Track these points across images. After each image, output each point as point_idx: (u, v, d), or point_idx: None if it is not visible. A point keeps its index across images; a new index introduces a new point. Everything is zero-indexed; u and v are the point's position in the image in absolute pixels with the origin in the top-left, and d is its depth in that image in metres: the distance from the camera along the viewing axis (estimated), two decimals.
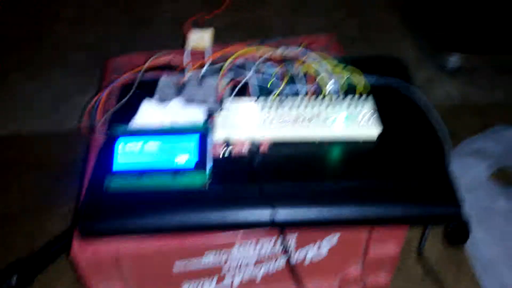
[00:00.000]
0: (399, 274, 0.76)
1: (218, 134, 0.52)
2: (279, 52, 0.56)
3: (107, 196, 0.48)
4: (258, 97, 0.54)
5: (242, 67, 0.56)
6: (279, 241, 0.53)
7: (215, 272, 0.57)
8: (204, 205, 0.48)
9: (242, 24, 1.35)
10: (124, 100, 0.56)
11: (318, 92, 0.55)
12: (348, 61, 0.57)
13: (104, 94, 0.55)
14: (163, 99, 0.55)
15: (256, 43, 0.57)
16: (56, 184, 0.93)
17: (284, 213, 0.47)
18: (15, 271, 0.74)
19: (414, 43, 1.29)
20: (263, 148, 0.51)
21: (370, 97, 0.54)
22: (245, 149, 0.51)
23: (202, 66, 0.57)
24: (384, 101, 0.55)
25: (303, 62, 0.55)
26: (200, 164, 0.48)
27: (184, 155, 0.49)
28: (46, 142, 1.03)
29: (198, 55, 0.58)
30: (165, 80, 0.58)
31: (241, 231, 0.51)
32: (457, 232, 0.50)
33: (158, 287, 0.59)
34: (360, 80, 0.55)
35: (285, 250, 0.52)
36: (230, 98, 0.55)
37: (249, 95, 0.56)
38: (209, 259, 0.54)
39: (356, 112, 0.53)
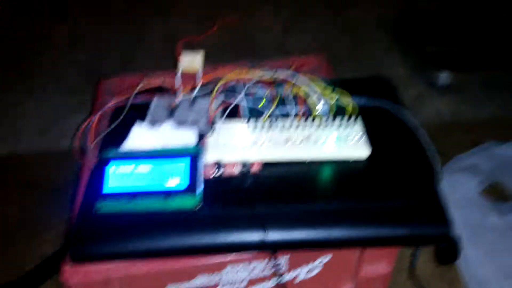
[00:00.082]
0: None
1: (209, 156, 0.52)
2: (269, 74, 0.56)
3: (98, 219, 0.48)
4: (249, 119, 0.55)
5: (233, 90, 0.56)
6: (271, 263, 0.54)
7: None
8: (195, 228, 0.48)
9: (234, 44, 1.37)
10: (115, 123, 0.56)
11: (308, 114, 0.56)
12: (338, 82, 0.57)
13: (96, 117, 0.55)
14: (155, 122, 0.56)
15: (246, 65, 0.58)
16: (49, 204, 0.92)
17: (275, 235, 0.47)
18: None
19: (404, 60, 1.30)
20: (254, 170, 0.52)
21: (359, 119, 0.55)
22: (236, 171, 0.52)
23: (193, 88, 0.58)
24: (373, 122, 0.56)
25: (293, 84, 0.56)
26: (191, 186, 0.49)
27: (175, 178, 0.49)
28: (40, 161, 1.03)
29: (189, 77, 0.59)
30: (157, 103, 0.58)
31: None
32: (447, 251, 0.50)
33: None
34: (349, 102, 0.56)
35: (277, 272, 0.52)
36: (221, 120, 0.56)
37: (240, 117, 0.56)
38: (200, 281, 0.54)
39: (346, 133, 0.54)
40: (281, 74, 0.56)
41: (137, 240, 0.47)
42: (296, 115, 0.56)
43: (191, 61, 0.58)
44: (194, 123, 0.56)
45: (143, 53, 1.35)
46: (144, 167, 0.50)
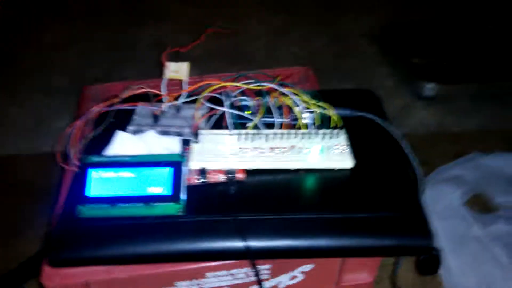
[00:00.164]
0: None
1: (194, 164, 0.52)
2: (255, 84, 0.57)
3: (78, 225, 0.48)
4: (233, 129, 0.55)
5: (219, 99, 0.56)
6: (252, 270, 0.53)
7: None
8: (177, 234, 0.48)
9: (222, 51, 1.37)
10: (99, 129, 0.56)
11: (293, 125, 0.56)
12: (323, 94, 0.58)
13: (79, 122, 0.55)
14: (139, 129, 0.56)
15: (232, 76, 0.58)
16: (33, 206, 0.92)
17: (257, 243, 0.48)
18: None
19: (391, 71, 1.31)
20: (238, 178, 0.52)
21: (344, 130, 0.56)
22: (220, 179, 0.52)
23: (178, 96, 0.58)
24: (357, 133, 0.56)
25: (279, 95, 0.56)
26: (174, 193, 0.49)
27: (158, 185, 0.49)
28: (26, 164, 1.02)
29: (175, 85, 0.59)
30: (141, 110, 0.58)
31: None
32: (428, 263, 0.50)
33: None
34: (334, 113, 0.56)
35: (259, 280, 0.52)
36: (206, 129, 0.56)
37: (225, 126, 0.56)
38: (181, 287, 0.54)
39: (330, 145, 0.54)
40: (267, 85, 0.56)
41: (118, 246, 0.47)
42: (281, 125, 0.56)
43: (177, 71, 0.58)
44: (178, 131, 0.56)
45: (131, 60, 1.35)
46: (127, 173, 0.50)
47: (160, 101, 0.58)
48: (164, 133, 0.56)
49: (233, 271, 0.53)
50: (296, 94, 0.56)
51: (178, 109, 0.58)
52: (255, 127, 0.55)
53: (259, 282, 0.52)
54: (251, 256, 0.48)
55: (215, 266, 0.52)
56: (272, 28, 1.50)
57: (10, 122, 1.14)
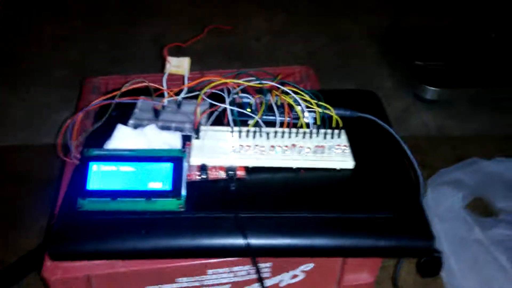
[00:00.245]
0: None
1: (194, 160, 0.52)
2: (256, 82, 0.56)
3: (78, 218, 0.47)
4: (234, 126, 0.54)
5: (220, 95, 0.56)
6: (253, 268, 0.53)
7: None
8: (177, 230, 0.47)
9: (223, 49, 1.37)
10: (100, 122, 0.55)
11: (293, 123, 0.56)
12: (323, 94, 0.57)
13: (80, 115, 0.55)
14: (139, 123, 0.55)
15: (234, 73, 0.58)
16: (32, 198, 0.91)
17: (257, 241, 0.47)
18: None
19: (393, 73, 1.31)
20: (238, 175, 0.52)
21: (344, 131, 0.55)
22: (220, 175, 0.51)
23: (179, 91, 0.58)
24: (358, 134, 0.56)
25: (280, 93, 0.56)
26: (175, 189, 0.48)
27: (159, 180, 0.49)
28: (26, 156, 1.02)
29: (176, 81, 0.58)
30: (143, 104, 0.58)
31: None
32: (429, 265, 0.50)
33: None
34: (334, 114, 0.56)
35: (260, 278, 0.52)
36: (207, 126, 0.56)
37: (225, 123, 0.56)
38: (181, 285, 0.53)
39: (330, 145, 0.54)
40: (268, 83, 0.56)
41: (118, 240, 0.47)
42: (281, 123, 0.56)
43: (178, 66, 0.58)
44: (179, 126, 0.56)
45: (132, 54, 1.34)
46: (128, 167, 0.49)
47: (161, 95, 0.58)
48: (165, 128, 0.55)
49: (234, 268, 0.53)
50: (297, 93, 0.56)
51: (179, 104, 0.58)
52: (256, 124, 0.55)
53: (260, 280, 0.51)
54: (251, 254, 0.48)
55: (216, 263, 0.51)
56: (272, 28, 1.50)
57: (10, 114, 1.13)
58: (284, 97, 0.56)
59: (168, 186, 0.48)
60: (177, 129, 0.56)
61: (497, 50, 1.31)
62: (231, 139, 0.54)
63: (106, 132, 0.54)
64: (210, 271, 0.52)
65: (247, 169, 0.52)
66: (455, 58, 1.27)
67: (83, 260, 0.48)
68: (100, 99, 0.56)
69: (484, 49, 1.32)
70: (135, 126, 0.55)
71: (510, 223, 0.88)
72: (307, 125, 0.55)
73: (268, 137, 0.54)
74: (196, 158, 0.52)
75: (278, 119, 0.56)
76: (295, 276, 0.56)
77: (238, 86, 0.57)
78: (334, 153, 0.53)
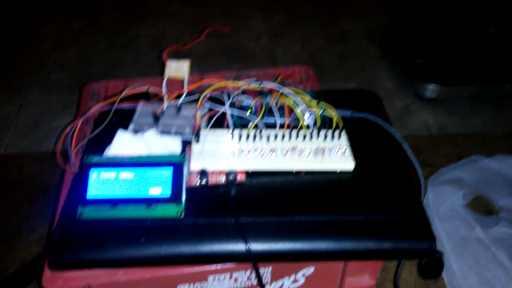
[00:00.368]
0: None
1: (194, 165, 0.51)
2: (256, 84, 0.56)
3: (78, 227, 0.47)
4: (234, 129, 0.54)
5: (219, 99, 0.56)
6: (253, 274, 0.53)
7: None
8: (178, 236, 0.47)
9: (223, 49, 1.36)
10: (99, 128, 0.55)
11: (294, 125, 0.56)
12: (324, 94, 0.57)
13: (80, 122, 0.55)
14: (139, 129, 0.55)
15: (233, 75, 0.58)
16: (32, 206, 0.91)
17: (258, 246, 0.47)
18: None
19: (393, 72, 1.31)
20: (239, 179, 0.51)
21: (345, 131, 0.55)
22: (221, 180, 0.51)
23: (179, 96, 0.57)
24: (358, 135, 0.56)
25: (280, 95, 0.56)
26: (175, 195, 0.48)
27: (158, 186, 0.48)
28: (25, 163, 1.02)
29: (176, 84, 0.58)
30: (142, 109, 0.58)
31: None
32: (430, 266, 0.50)
33: None
34: (335, 114, 0.56)
35: (261, 283, 0.52)
36: (207, 129, 0.55)
37: (226, 126, 0.56)
38: None
39: (331, 145, 0.54)
40: (268, 85, 0.56)
41: (118, 249, 0.47)
42: (281, 125, 0.55)
43: (178, 69, 0.58)
44: (179, 130, 0.56)
45: (130, 58, 1.34)
46: (127, 174, 0.49)
47: (161, 100, 0.57)
48: (165, 132, 0.55)
49: (235, 274, 0.53)
50: (297, 95, 0.56)
51: (178, 108, 0.58)
52: (256, 127, 0.55)
53: (261, 285, 0.51)
54: (252, 259, 0.48)
55: (217, 269, 0.51)
56: (272, 28, 1.50)
57: (8, 121, 1.13)
58: (284, 99, 0.56)
59: (168, 192, 0.48)
60: (177, 133, 0.56)
61: (497, 45, 1.31)
62: (231, 142, 0.54)
63: (106, 138, 0.54)
64: (211, 277, 0.52)
65: (248, 173, 0.52)
66: (455, 55, 1.27)
67: (83, 269, 0.48)
68: (99, 105, 0.56)
69: (484, 45, 1.31)
70: (135, 132, 0.55)
71: (511, 221, 0.88)
72: (307, 127, 0.55)
73: (268, 140, 0.54)
74: (196, 162, 0.51)
75: (278, 121, 0.56)
76: (296, 280, 0.56)
77: (238, 89, 0.57)
78: (334, 155, 0.53)
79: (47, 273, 0.48)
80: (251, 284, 0.55)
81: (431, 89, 1.16)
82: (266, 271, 0.54)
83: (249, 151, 0.53)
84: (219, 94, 0.56)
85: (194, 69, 0.59)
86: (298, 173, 0.53)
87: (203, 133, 0.54)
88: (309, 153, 0.53)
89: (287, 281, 0.56)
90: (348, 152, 0.53)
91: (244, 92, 0.57)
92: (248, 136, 0.54)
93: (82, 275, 0.48)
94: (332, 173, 0.53)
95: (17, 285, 0.77)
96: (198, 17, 1.52)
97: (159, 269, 0.50)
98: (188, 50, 0.62)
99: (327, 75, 1.27)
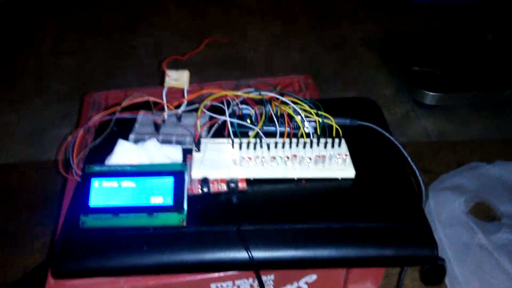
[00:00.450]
0: None
1: (195, 173, 0.52)
2: (256, 93, 0.56)
3: (81, 235, 0.47)
4: (235, 138, 0.55)
5: (219, 107, 0.56)
6: (256, 281, 0.53)
7: None
8: (180, 245, 0.47)
9: (222, 59, 1.37)
10: (100, 138, 0.55)
11: (294, 134, 0.56)
12: (323, 103, 0.57)
13: (81, 131, 0.55)
14: (140, 138, 0.55)
15: (233, 84, 0.58)
16: (34, 215, 0.91)
17: (260, 254, 0.47)
18: None
19: (391, 80, 1.32)
20: (240, 187, 0.52)
21: (344, 140, 0.55)
22: (222, 188, 0.51)
23: (179, 105, 0.58)
24: (358, 143, 0.56)
25: (279, 104, 0.56)
26: (177, 203, 0.48)
27: (160, 195, 0.49)
28: (28, 173, 1.02)
29: (176, 93, 0.59)
30: (143, 118, 0.58)
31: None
32: (432, 273, 0.50)
33: None
34: (334, 123, 0.56)
35: None
36: (207, 138, 0.56)
37: (226, 134, 0.56)
38: None
39: (331, 154, 0.54)
40: (267, 94, 0.56)
41: (121, 258, 0.47)
42: (282, 134, 0.56)
43: (177, 79, 0.58)
44: (179, 139, 0.56)
45: (130, 67, 1.35)
46: (129, 183, 0.49)
47: (161, 109, 0.58)
48: (166, 141, 0.55)
49: (237, 282, 0.53)
50: (297, 103, 0.56)
51: (179, 117, 0.58)
52: (257, 136, 0.55)
53: None
54: (254, 267, 0.48)
55: (219, 277, 0.51)
56: (270, 37, 1.50)
57: (9, 129, 1.13)
58: (283, 108, 0.56)
59: (169, 201, 0.48)
60: (177, 142, 0.56)
61: (494, 53, 1.32)
62: (232, 151, 0.54)
63: (107, 148, 0.54)
64: (213, 285, 0.52)
65: (248, 181, 0.52)
66: (453, 62, 1.27)
67: (86, 277, 0.48)
68: (100, 115, 0.57)
69: (482, 53, 1.32)
70: (136, 141, 0.55)
71: None
72: (307, 135, 0.55)
73: (268, 148, 0.54)
74: (197, 171, 0.52)
75: (279, 129, 0.56)
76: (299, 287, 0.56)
77: (238, 98, 0.57)
78: (334, 163, 0.53)
79: (51, 282, 0.48)
80: None
81: (429, 96, 1.16)
82: (268, 279, 0.54)
83: (250, 160, 0.53)
84: (219, 103, 0.56)
85: (193, 78, 0.60)
86: (299, 180, 0.53)
87: (204, 141, 0.55)
88: (310, 161, 0.53)
89: None
90: (348, 160, 0.54)
91: (244, 101, 0.57)
92: (248, 145, 0.54)
93: (85, 283, 0.48)
94: (333, 181, 0.53)
95: None
96: (197, 26, 1.53)
97: (162, 277, 0.50)
98: (187, 60, 0.62)
99: (326, 83, 1.27)
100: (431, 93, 1.16)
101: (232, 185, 0.51)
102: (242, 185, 0.52)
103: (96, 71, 1.33)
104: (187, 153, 0.55)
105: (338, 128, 0.56)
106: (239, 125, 0.56)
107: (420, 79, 1.21)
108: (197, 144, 0.54)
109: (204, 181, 0.51)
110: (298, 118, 0.56)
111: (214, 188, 0.51)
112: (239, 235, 0.47)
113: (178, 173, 0.50)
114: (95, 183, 0.49)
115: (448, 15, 1.61)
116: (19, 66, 1.35)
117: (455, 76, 1.22)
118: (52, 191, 0.94)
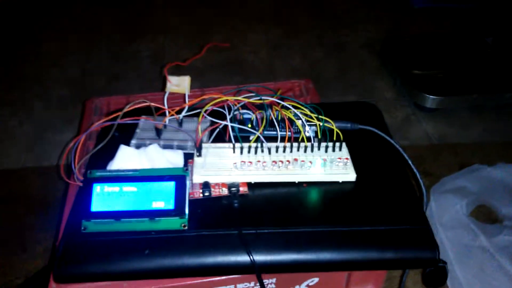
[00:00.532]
0: None
1: (197, 178, 0.52)
2: (256, 97, 0.57)
3: (83, 240, 0.48)
4: (236, 142, 0.55)
5: (220, 112, 0.57)
6: (258, 285, 0.53)
7: None
8: (181, 249, 0.47)
9: (223, 64, 1.37)
10: (102, 143, 0.56)
11: (294, 138, 0.56)
12: (323, 107, 0.58)
13: (83, 137, 0.55)
14: (142, 143, 0.56)
15: (234, 89, 0.58)
16: (36, 220, 0.92)
17: (262, 257, 0.47)
18: None
19: (392, 83, 1.32)
20: (241, 191, 0.52)
21: (345, 144, 0.56)
22: (223, 192, 0.52)
23: (180, 110, 0.58)
24: (359, 146, 0.57)
25: (280, 108, 0.56)
26: (178, 208, 0.48)
27: (162, 199, 0.49)
28: (30, 178, 1.02)
29: (177, 99, 0.59)
30: (144, 124, 0.58)
31: None
32: (434, 275, 0.50)
33: None
34: (335, 126, 0.56)
35: None
36: (208, 143, 0.56)
37: (227, 140, 0.56)
38: None
39: (332, 158, 0.54)
40: (268, 98, 0.57)
41: (123, 261, 0.47)
42: (282, 138, 0.56)
43: (179, 84, 0.59)
44: (181, 144, 0.56)
45: (131, 73, 1.35)
46: (130, 188, 0.50)
47: (163, 114, 0.58)
48: (167, 146, 0.56)
49: (239, 285, 0.53)
50: (298, 107, 0.56)
51: (180, 122, 0.58)
52: (257, 140, 0.55)
53: None
54: (256, 270, 0.48)
55: (220, 280, 0.51)
56: (271, 41, 1.51)
57: (11, 135, 1.14)
58: (284, 112, 0.56)
59: (171, 205, 0.48)
60: (179, 147, 0.56)
61: (495, 56, 1.32)
62: (233, 155, 0.54)
63: (109, 153, 0.54)
64: None
65: (250, 185, 0.52)
66: (454, 65, 1.27)
67: (88, 282, 0.48)
68: (102, 120, 0.57)
69: (482, 56, 1.32)
70: (138, 146, 0.56)
71: None
72: (308, 139, 0.56)
73: (269, 153, 0.54)
74: (198, 175, 0.52)
75: (279, 134, 0.56)
76: None
77: (239, 103, 0.57)
78: (335, 166, 0.54)
79: (53, 286, 0.48)
80: None
81: (430, 100, 1.17)
82: (270, 282, 0.54)
83: (251, 164, 0.53)
84: (220, 108, 0.57)
85: (194, 83, 0.60)
86: (300, 184, 0.53)
87: (205, 146, 0.55)
88: (311, 165, 0.53)
89: None
90: (349, 163, 0.54)
91: (244, 106, 0.57)
92: (249, 149, 0.54)
93: None
94: (334, 184, 0.53)
95: None
96: (198, 31, 1.54)
97: (163, 281, 0.50)
98: (188, 65, 0.63)
99: (326, 86, 1.27)
100: (431, 96, 1.16)
101: (233, 189, 0.51)
102: (243, 189, 0.52)
103: (98, 76, 1.34)
104: (188, 157, 0.55)
105: (339, 132, 0.56)
106: (240, 130, 0.56)
107: (420, 82, 1.21)
108: (198, 149, 0.54)
109: (206, 186, 0.51)
110: (299, 123, 0.56)
111: (215, 192, 0.52)
112: (241, 238, 0.48)
113: (179, 178, 0.50)
114: (97, 188, 0.49)
115: (448, 18, 1.61)
116: (20, 72, 1.36)
117: (456, 79, 1.22)
118: (53, 196, 0.94)
